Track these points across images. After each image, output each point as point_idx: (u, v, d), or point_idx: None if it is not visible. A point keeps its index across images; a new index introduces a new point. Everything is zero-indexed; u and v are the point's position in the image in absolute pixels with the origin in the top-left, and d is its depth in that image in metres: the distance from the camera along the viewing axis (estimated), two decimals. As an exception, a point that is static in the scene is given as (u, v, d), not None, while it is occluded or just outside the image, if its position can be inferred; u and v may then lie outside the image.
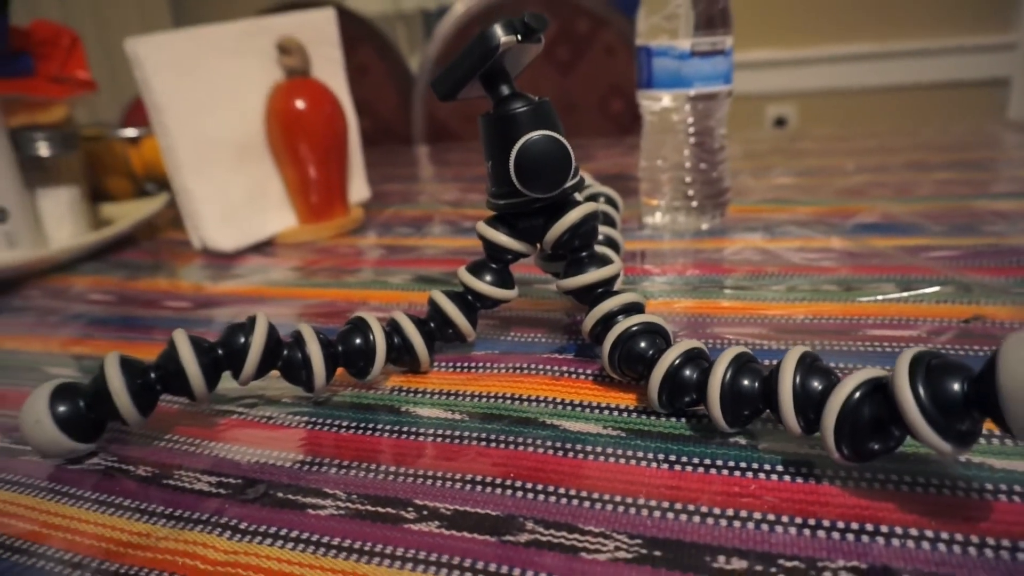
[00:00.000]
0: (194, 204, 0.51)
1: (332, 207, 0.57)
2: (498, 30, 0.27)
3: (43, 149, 0.53)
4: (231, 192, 0.52)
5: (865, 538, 0.19)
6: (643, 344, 0.26)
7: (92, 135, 0.70)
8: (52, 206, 0.54)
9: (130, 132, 0.66)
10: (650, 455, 0.24)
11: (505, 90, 0.29)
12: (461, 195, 0.68)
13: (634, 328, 0.27)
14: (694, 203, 0.49)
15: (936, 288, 0.35)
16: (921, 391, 0.18)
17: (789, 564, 0.18)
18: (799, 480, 0.22)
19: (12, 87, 0.55)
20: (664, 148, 0.49)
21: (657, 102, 0.48)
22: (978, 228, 0.43)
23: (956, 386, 0.18)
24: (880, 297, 0.34)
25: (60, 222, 0.55)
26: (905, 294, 0.34)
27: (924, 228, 0.44)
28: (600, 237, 0.38)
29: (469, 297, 0.31)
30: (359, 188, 0.62)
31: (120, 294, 0.47)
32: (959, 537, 0.19)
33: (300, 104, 0.53)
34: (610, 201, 0.42)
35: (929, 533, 0.19)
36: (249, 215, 0.54)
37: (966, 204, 0.49)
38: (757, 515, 0.20)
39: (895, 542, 0.19)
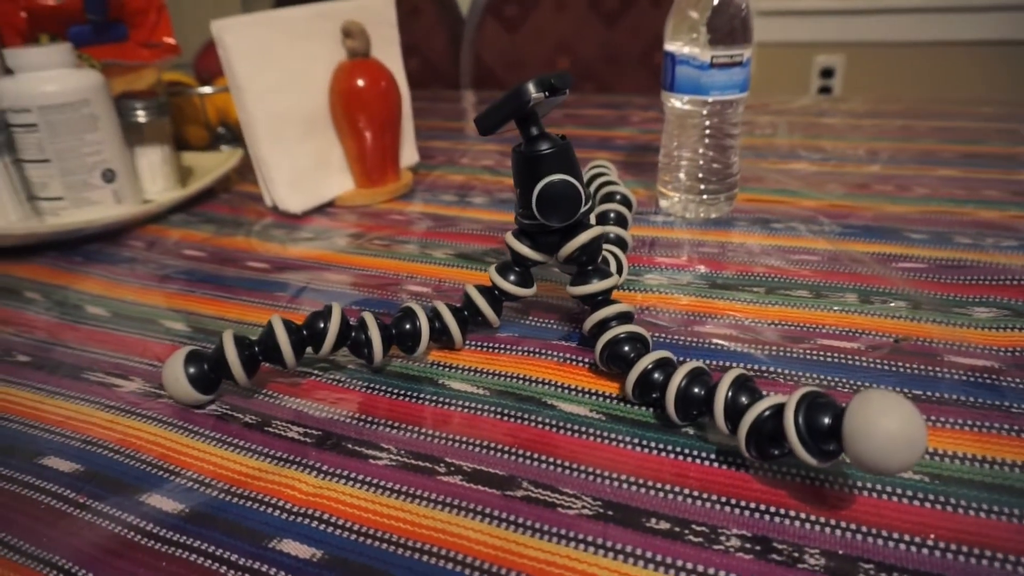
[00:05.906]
0: (268, 171, 0.59)
1: (385, 173, 0.64)
2: (531, 87, 0.33)
3: (141, 116, 0.61)
4: (299, 160, 0.60)
5: (757, 515, 0.27)
6: (626, 348, 0.34)
7: (174, 81, 0.78)
8: (147, 163, 0.63)
9: (207, 89, 0.74)
10: (622, 437, 0.32)
11: (534, 131, 0.36)
12: (499, 159, 0.74)
13: (621, 335, 0.34)
14: (705, 195, 0.55)
15: (891, 303, 0.41)
16: (800, 420, 0.26)
17: (698, 528, 0.27)
18: (725, 467, 0.30)
19: (109, 53, 0.63)
20: (682, 144, 0.55)
21: (678, 103, 0.53)
22: (951, 239, 0.49)
23: (826, 420, 0.25)
24: (837, 308, 0.41)
25: (154, 176, 0.63)
26: (862, 306, 0.41)
27: (904, 235, 0.50)
28: (611, 236, 0.45)
29: (496, 292, 0.39)
30: (409, 154, 0.69)
31: (209, 250, 0.55)
32: (821, 519, 0.27)
33: (360, 82, 0.60)
34: (624, 200, 0.49)
35: (803, 514, 0.27)
36: (314, 180, 0.61)
37: (953, 209, 0.54)
38: (686, 490, 0.29)
39: (776, 520, 0.27)
